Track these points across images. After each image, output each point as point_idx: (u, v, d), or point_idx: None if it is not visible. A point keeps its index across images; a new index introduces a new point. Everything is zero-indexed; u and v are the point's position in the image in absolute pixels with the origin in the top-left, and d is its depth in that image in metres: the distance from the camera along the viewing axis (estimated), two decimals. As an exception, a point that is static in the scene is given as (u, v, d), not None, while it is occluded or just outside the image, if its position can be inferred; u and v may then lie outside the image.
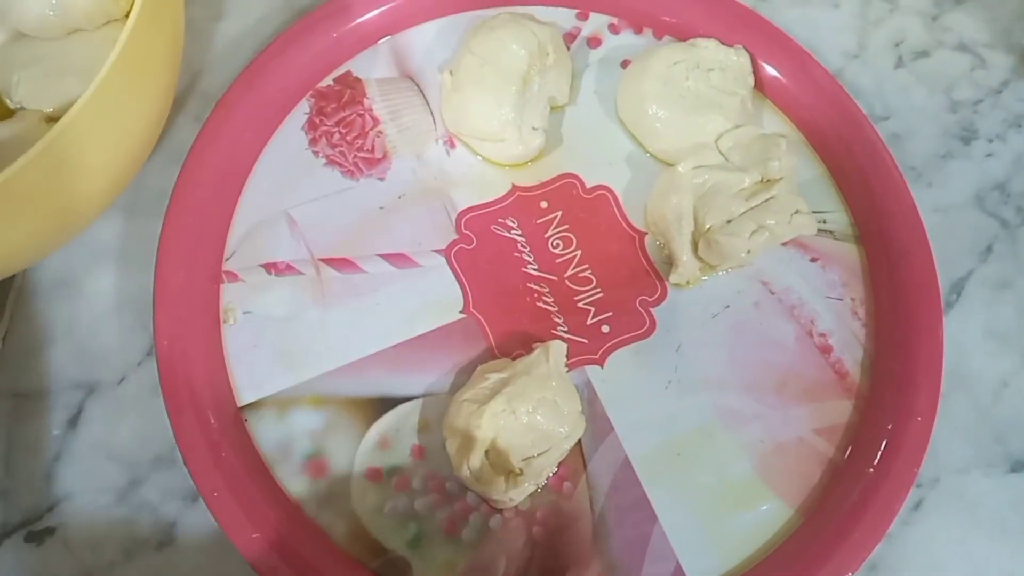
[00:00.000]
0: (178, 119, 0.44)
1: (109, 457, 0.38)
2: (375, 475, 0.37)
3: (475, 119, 0.41)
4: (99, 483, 0.37)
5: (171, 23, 0.38)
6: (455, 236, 0.41)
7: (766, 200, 0.39)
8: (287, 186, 0.41)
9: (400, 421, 0.38)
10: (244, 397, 0.38)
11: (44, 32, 0.39)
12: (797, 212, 0.39)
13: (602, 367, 0.39)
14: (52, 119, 0.37)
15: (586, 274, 0.41)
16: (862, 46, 0.48)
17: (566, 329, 0.40)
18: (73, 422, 0.38)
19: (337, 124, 0.42)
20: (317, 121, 0.42)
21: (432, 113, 0.43)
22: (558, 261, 0.41)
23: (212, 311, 0.39)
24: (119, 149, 0.35)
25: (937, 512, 0.38)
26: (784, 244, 0.41)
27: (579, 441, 0.37)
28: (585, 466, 0.37)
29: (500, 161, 0.42)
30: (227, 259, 0.40)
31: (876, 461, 0.36)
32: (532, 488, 0.35)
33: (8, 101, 0.40)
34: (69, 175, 0.33)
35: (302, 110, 0.43)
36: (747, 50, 0.43)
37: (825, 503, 0.37)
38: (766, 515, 0.37)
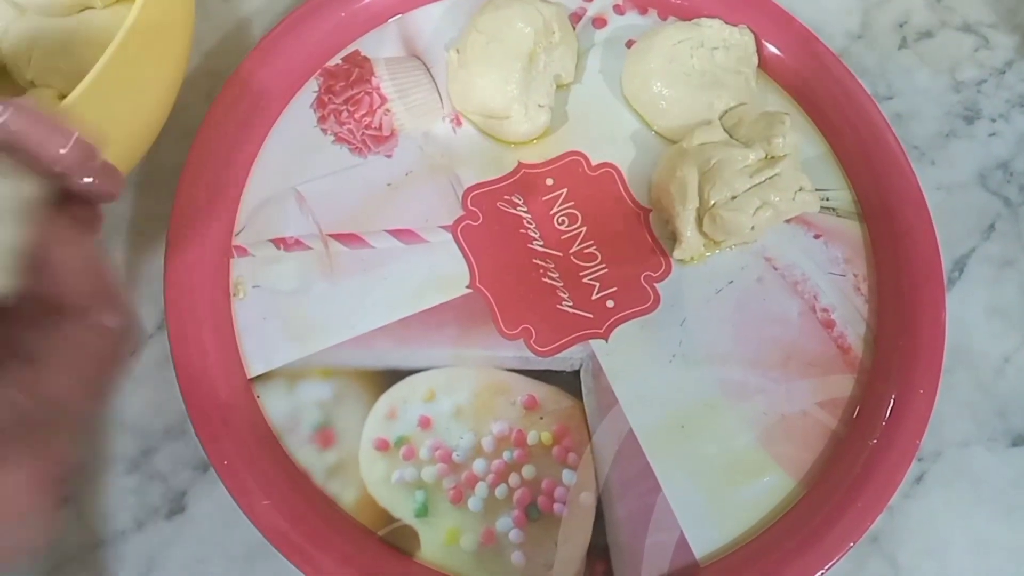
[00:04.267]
0: (189, 97, 0.44)
1: (121, 428, 0.38)
2: (383, 445, 0.37)
3: (481, 96, 0.41)
4: (111, 453, 0.38)
5: (181, 2, 0.38)
6: (461, 212, 0.41)
7: (770, 177, 0.39)
8: (296, 163, 0.42)
9: (408, 392, 0.38)
10: (254, 369, 0.38)
11: (55, 10, 0.40)
12: (801, 189, 0.40)
13: (607, 341, 0.39)
14: (64, 96, 0.38)
15: (591, 250, 0.41)
16: (866, 26, 0.48)
17: (571, 304, 0.40)
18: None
19: (345, 102, 0.43)
20: (326, 99, 0.43)
21: (439, 91, 0.43)
22: (563, 237, 0.41)
23: (222, 285, 0.39)
24: (128, 126, 0.36)
25: (939, 485, 0.38)
26: (788, 221, 0.41)
27: (584, 412, 0.38)
28: (590, 437, 0.38)
29: (506, 138, 0.43)
30: (237, 234, 0.40)
31: (878, 433, 0.37)
32: None
33: (20, 79, 0.40)
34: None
35: (311, 88, 0.43)
36: (751, 29, 0.43)
37: (828, 475, 0.37)
38: (769, 486, 0.37)
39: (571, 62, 0.43)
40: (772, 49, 0.44)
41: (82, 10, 0.40)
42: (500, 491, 0.37)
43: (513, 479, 0.37)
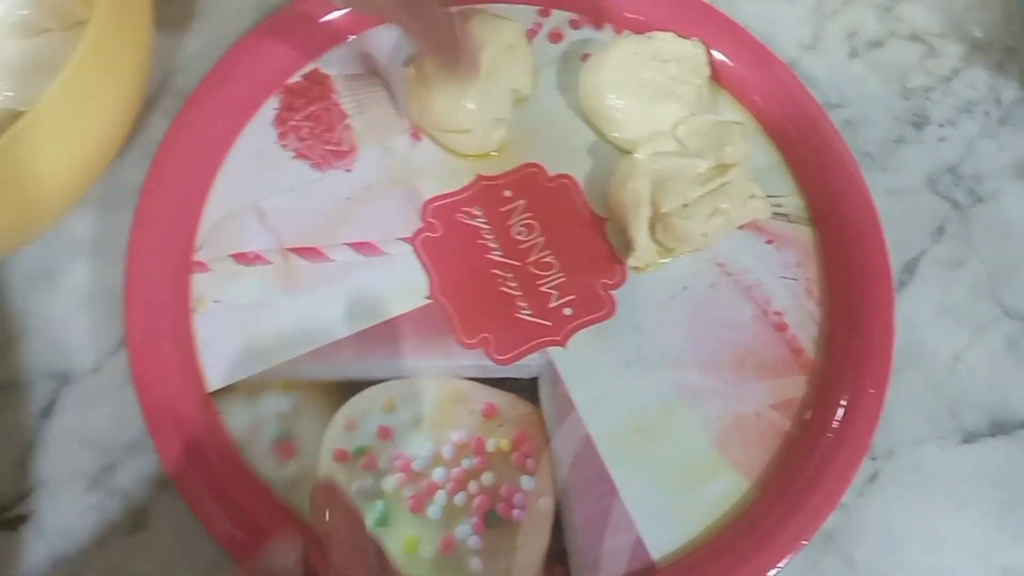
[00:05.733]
0: (151, 117, 0.45)
1: (83, 444, 0.38)
2: (342, 456, 0.38)
3: (439, 112, 0.42)
4: (73, 470, 0.38)
5: (138, 23, 0.39)
6: (420, 225, 0.42)
7: (722, 185, 0.40)
8: (256, 179, 0.42)
9: (367, 404, 0.38)
10: (214, 383, 0.38)
11: (14, 33, 0.40)
12: (752, 196, 0.41)
13: (564, 348, 0.40)
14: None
15: (548, 259, 0.42)
16: (817, 37, 0.49)
17: (529, 312, 0.41)
18: (47, 411, 0.39)
19: (306, 119, 0.43)
20: (286, 116, 0.44)
21: (398, 107, 0.44)
22: (521, 247, 0.42)
23: (182, 301, 0.40)
24: (86, 145, 0.36)
25: (892, 483, 0.38)
26: (740, 227, 0.42)
27: (542, 419, 0.38)
28: (548, 443, 0.38)
29: (464, 152, 0.43)
30: (197, 250, 0.41)
31: (830, 432, 0.38)
32: None
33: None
34: (33, 170, 0.34)
35: (271, 106, 0.44)
36: (703, 42, 0.44)
37: (781, 474, 0.37)
38: (724, 487, 0.38)
39: (527, 76, 0.44)
40: (724, 60, 0.45)
41: (41, 33, 0.41)
42: (459, 499, 0.37)
43: (472, 486, 0.37)
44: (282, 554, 0.29)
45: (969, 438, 0.39)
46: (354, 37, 0.46)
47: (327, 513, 0.29)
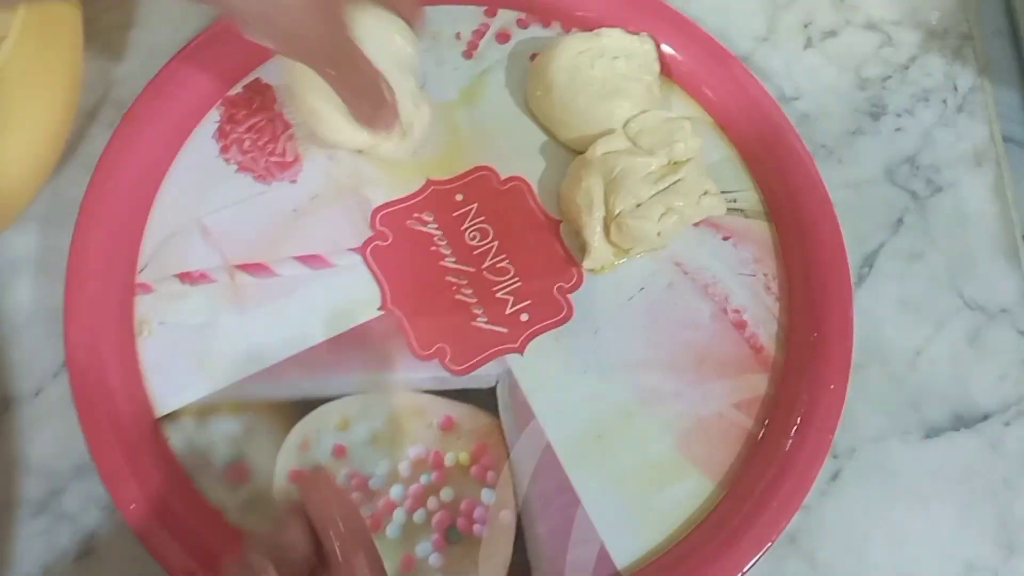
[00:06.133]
0: (92, 129, 0.44)
1: (26, 470, 0.37)
2: (297, 477, 0.37)
3: (340, 137, 0.40)
4: (17, 496, 0.37)
5: (66, 33, 0.37)
6: (370, 233, 0.41)
7: (674, 183, 0.40)
8: (199, 195, 0.41)
9: (320, 422, 0.37)
10: (162, 408, 0.37)
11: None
12: (705, 193, 0.40)
13: (522, 355, 0.39)
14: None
15: (503, 264, 0.41)
16: (772, 29, 0.48)
17: (485, 320, 0.40)
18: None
19: (248, 130, 0.42)
20: (228, 128, 0.42)
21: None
22: (475, 253, 0.41)
23: (127, 323, 0.38)
24: (16, 161, 0.35)
25: (855, 482, 0.38)
26: (697, 224, 0.41)
27: (501, 429, 0.38)
28: (508, 455, 0.37)
29: (389, 159, 0.42)
30: (140, 271, 0.40)
31: (792, 431, 0.37)
32: None
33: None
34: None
35: (212, 119, 0.43)
36: (652, 37, 0.44)
37: (745, 475, 0.37)
38: (688, 490, 0.37)
39: (414, 58, 0.40)
40: (675, 55, 0.45)
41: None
42: (418, 516, 0.36)
43: (432, 502, 0.36)
44: (293, 533, 0.29)
45: (932, 433, 0.39)
46: (297, 43, 0.45)
47: (321, 499, 0.30)
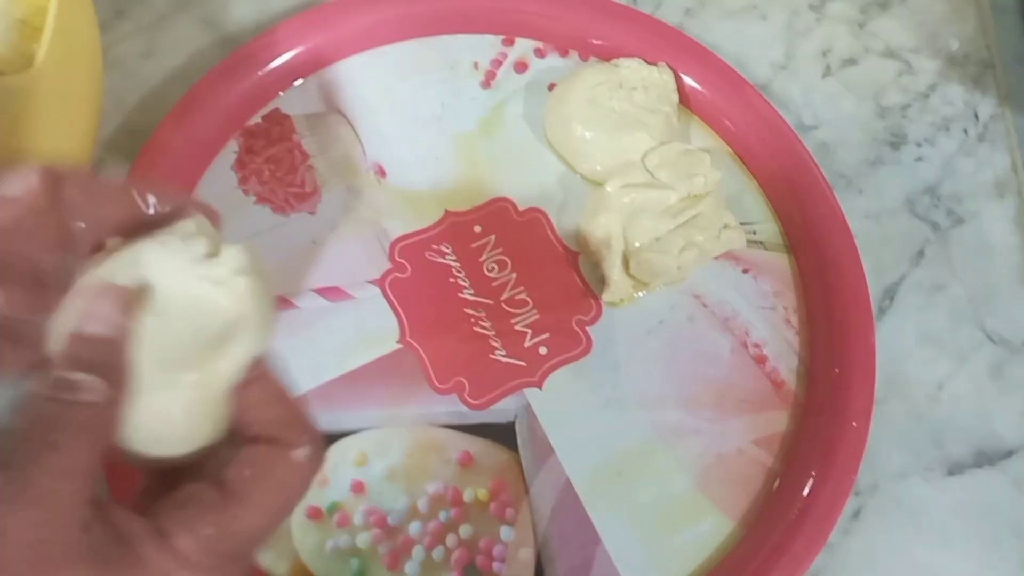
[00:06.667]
0: (111, 157, 0.44)
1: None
2: (315, 513, 0.36)
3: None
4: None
5: (87, 62, 0.38)
6: (389, 265, 0.41)
7: (693, 216, 0.39)
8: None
9: (338, 457, 0.37)
10: (180, 440, 0.37)
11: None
12: (726, 227, 0.40)
13: (541, 388, 0.39)
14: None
15: (522, 296, 0.41)
16: (790, 56, 0.48)
17: (504, 353, 0.40)
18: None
19: (266, 161, 0.42)
20: (246, 159, 0.42)
21: (362, 144, 0.43)
22: (494, 284, 0.41)
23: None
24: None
25: (877, 519, 0.38)
26: (716, 257, 0.41)
27: (520, 465, 0.37)
28: (527, 491, 0.37)
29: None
30: (159, 302, 0.40)
31: (814, 469, 0.37)
32: None
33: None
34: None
35: (231, 149, 0.43)
36: (671, 67, 0.43)
37: (766, 514, 0.37)
38: (709, 529, 0.37)
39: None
40: (693, 85, 0.44)
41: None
42: (437, 553, 0.36)
43: (450, 540, 0.36)
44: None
45: (955, 469, 0.39)
46: (314, 74, 0.45)
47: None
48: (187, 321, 0.23)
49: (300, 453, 0.23)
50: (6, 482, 0.19)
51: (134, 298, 0.22)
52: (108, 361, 0.21)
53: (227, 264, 0.23)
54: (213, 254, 0.23)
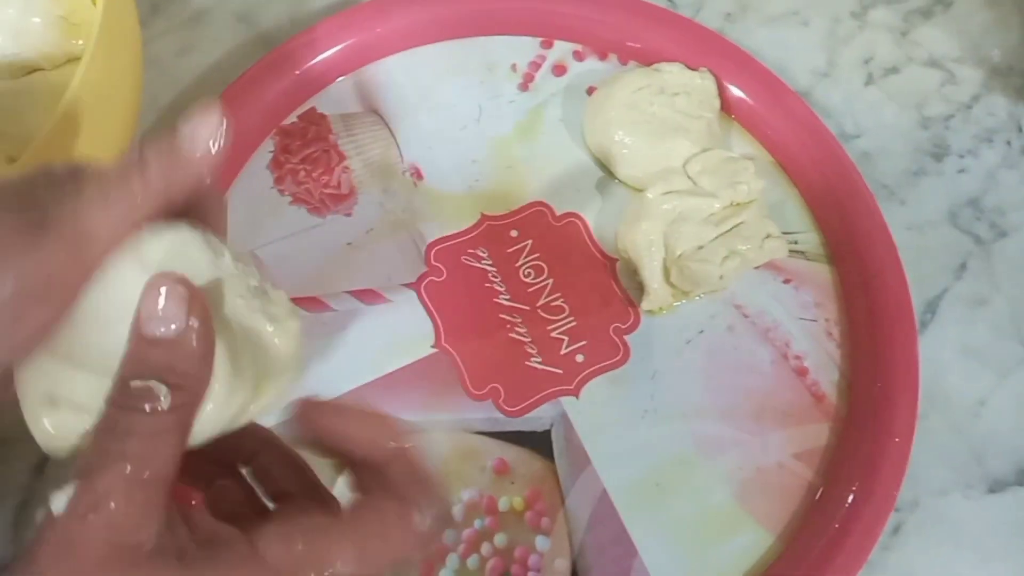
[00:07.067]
0: (145, 157, 0.43)
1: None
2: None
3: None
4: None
5: (129, 60, 0.37)
6: (424, 269, 0.40)
7: (736, 225, 0.39)
8: (253, 226, 0.41)
9: (373, 461, 0.37)
10: (214, 442, 0.37)
11: (3, 73, 0.39)
12: (768, 236, 0.39)
13: (577, 398, 0.38)
14: (13, 159, 0.37)
15: (558, 303, 0.40)
16: (832, 64, 0.47)
17: (540, 360, 0.39)
18: (41, 467, 0.38)
19: (302, 161, 0.42)
20: (282, 159, 0.42)
21: (398, 146, 0.43)
22: (530, 290, 0.40)
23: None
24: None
25: (917, 536, 0.37)
26: (756, 267, 0.41)
27: (556, 474, 0.37)
28: (563, 501, 0.37)
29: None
30: (194, 301, 0.39)
31: (855, 485, 0.36)
32: None
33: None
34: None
35: (267, 148, 0.42)
36: (712, 72, 0.43)
37: (806, 529, 0.36)
38: (747, 544, 0.36)
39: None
40: (735, 91, 0.44)
41: (30, 72, 0.40)
42: (472, 562, 0.36)
43: (485, 548, 0.36)
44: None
45: (996, 487, 0.38)
46: (351, 74, 0.44)
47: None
48: (245, 347, 0.22)
49: (423, 519, 0.23)
50: (80, 492, 0.19)
51: (202, 304, 0.21)
52: (182, 366, 0.21)
53: (282, 305, 0.24)
54: (262, 289, 0.24)
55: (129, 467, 0.20)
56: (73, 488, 0.20)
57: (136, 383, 0.20)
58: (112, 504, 0.19)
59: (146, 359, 0.20)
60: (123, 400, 0.20)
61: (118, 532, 0.19)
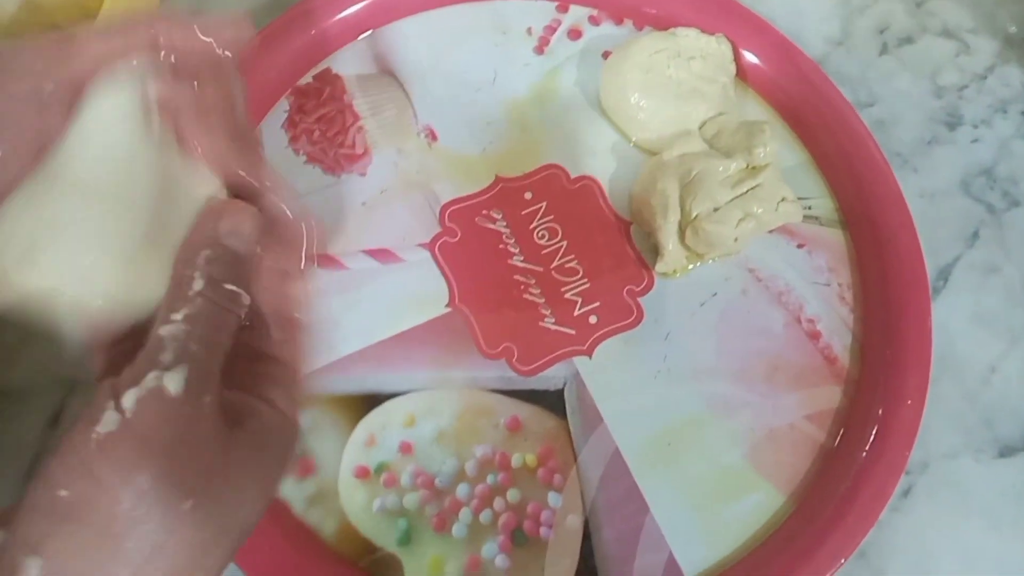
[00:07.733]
0: (158, 117, 0.43)
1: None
2: (363, 473, 0.36)
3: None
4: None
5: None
6: (439, 229, 0.41)
7: (752, 188, 0.39)
8: (268, 183, 0.41)
9: (386, 418, 0.37)
10: (228, 397, 0.37)
11: (18, 31, 0.39)
12: (783, 200, 0.39)
13: (590, 358, 0.39)
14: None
15: (572, 264, 0.40)
16: (846, 33, 0.47)
17: (553, 320, 0.39)
18: (53, 421, 0.38)
19: (317, 121, 0.42)
20: (297, 119, 0.42)
21: (413, 107, 0.43)
22: (544, 252, 0.41)
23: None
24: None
25: (927, 498, 0.37)
26: (771, 231, 0.41)
27: (569, 432, 0.37)
28: (576, 458, 0.37)
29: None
30: (209, 258, 0.39)
31: (867, 446, 0.36)
32: None
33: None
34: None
35: (281, 108, 0.42)
36: (728, 38, 0.43)
37: (817, 489, 0.36)
38: (758, 503, 0.36)
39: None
40: (750, 57, 0.44)
41: (47, 30, 0.39)
42: (484, 516, 0.36)
43: (498, 503, 0.36)
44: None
45: (1006, 452, 0.38)
46: (366, 35, 0.44)
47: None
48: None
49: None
50: (195, 376, 0.22)
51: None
52: (241, 277, 0.24)
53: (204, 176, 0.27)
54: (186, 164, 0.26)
55: (220, 358, 0.23)
56: (184, 371, 0.22)
57: (229, 286, 0.24)
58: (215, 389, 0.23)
59: (231, 264, 0.24)
60: (219, 299, 0.23)
61: (219, 413, 0.23)
